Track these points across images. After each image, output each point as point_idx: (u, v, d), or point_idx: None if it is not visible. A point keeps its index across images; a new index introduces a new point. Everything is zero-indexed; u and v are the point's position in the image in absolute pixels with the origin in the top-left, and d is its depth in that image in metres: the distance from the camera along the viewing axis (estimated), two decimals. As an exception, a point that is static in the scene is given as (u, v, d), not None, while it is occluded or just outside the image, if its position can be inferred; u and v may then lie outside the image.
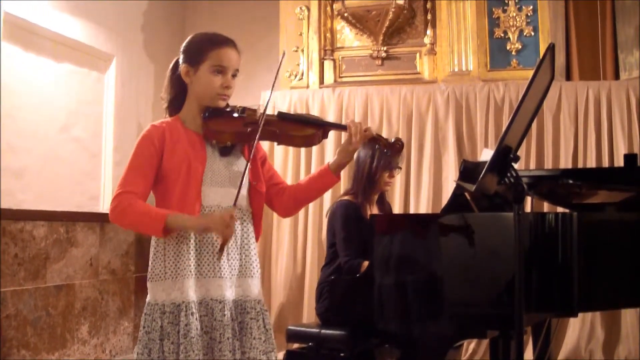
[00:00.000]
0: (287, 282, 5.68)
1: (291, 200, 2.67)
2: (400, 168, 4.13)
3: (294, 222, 5.73)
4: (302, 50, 5.99)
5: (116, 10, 5.55)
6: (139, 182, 2.38)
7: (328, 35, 6.04)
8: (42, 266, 4.61)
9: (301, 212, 5.60)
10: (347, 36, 6.06)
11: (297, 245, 5.74)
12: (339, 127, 2.65)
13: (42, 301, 4.60)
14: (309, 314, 5.44)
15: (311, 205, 5.51)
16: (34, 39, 4.72)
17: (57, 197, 4.89)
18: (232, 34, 2.56)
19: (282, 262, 5.73)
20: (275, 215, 4.98)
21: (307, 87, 5.96)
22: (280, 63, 2.73)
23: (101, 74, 5.44)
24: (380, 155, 3.85)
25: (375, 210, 4.03)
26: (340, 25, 6.07)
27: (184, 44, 2.56)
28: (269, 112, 2.47)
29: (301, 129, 2.54)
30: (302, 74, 5.98)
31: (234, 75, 2.52)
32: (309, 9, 6.00)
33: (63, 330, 4.79)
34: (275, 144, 2.66)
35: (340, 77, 6.01)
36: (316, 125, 2.57)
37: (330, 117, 5.74)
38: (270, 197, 2.67)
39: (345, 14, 5.85)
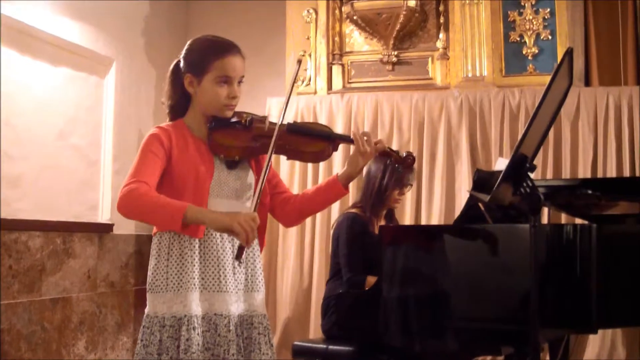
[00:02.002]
0: (293, 296, 5.61)
1: (296, 210, 2.63)
2: (412, 185, 4.10)
3: (300, 234, 5.65)
4: (310, 55, 5.89)
5: (116, 14, 5.50)
6: (150, 176, 2.30)
7: (336, 39, 5.95)
8: (37, 278, 4.55)
9: (308, 223, 5.56)
10: (357, 40, 5.96)
11: (303, 257, 5.65)
12: (347, 140, 2.58)
13: (37, 315, 4.54)
14: (315, 329, 5.36)
15: (318, 215, 5.47)
16: (31, 42, 4.65)
17: (55, 206, 4.82)
18: (237, 38, 2.51)
19: (288, 276, 5.65)
20: (281, 226, 4.95)
21: (315, 93, 5.86)
22: (296, 74, 2.68)
23: (100, 78, 5.37)
24: (392, 171, 3.84)
25: (383, 224, 4.02)
26: (349, 29, 5.97)
27: (184, 51, 2.50)
28: (278, 123, 2.42)
29: (311, 144, 2.50)
30: (310, 80, 5.87)
31: (239, 82, 2.46)
32: (316, 12, 5.91)
33: (59, 346, 4.72)
34: (285, 158, 2.63)
35: (349, 82, 5.90)
36: (326, 139, 2.52)
37: (339, 124, 5.67)
38: (274, 206, 2.63)
39: (355, 17, 5.76)
